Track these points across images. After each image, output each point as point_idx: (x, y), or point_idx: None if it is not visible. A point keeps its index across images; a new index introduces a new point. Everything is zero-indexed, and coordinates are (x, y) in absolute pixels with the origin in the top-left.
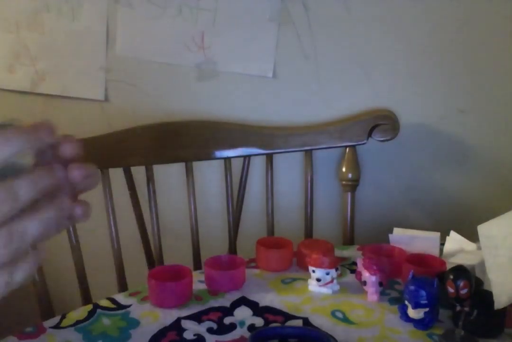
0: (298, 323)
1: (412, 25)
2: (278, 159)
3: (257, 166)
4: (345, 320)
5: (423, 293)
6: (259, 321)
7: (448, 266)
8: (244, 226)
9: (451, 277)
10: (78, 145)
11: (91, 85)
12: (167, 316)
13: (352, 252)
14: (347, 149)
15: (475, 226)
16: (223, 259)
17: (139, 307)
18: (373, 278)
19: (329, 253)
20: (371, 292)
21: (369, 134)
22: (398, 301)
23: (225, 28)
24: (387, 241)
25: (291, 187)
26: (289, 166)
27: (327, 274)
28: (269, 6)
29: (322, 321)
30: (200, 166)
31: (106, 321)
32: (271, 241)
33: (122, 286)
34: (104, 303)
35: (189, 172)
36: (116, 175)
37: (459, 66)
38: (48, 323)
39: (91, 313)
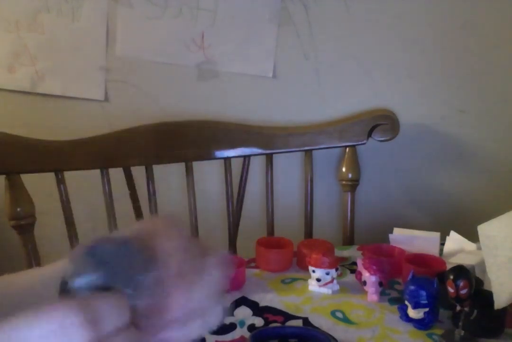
0: (298, 323)
1: (412, 25)
2: (278, 159)
3: (257, 166)
4: (345, 320)
5: (423, 293)
6: (259, 321)
7: (448, 266)
8: (244, 226)
9: (451, 277)
10: None
11: (91, 85)
12: None
13: (352, 252)
14: (347, 149)
15: (475, 226)
16: None
17: None
18: (373, 278)
19: (329, 253)
20: (371, 292)
21: (369, 134)
22: (398, 301)
23: (225, 28)
24: (387, 241)
25: (291, 187)
26: (289, 166)
27: (327, 274)
28: (269, 6)
29: (322, 321)
30: (200, 166)
31: None
32: (271, 241)
33: None
34: None
35: (189, 171)
36: (116, 174)
37: (459, 66)
38: None
39: None
